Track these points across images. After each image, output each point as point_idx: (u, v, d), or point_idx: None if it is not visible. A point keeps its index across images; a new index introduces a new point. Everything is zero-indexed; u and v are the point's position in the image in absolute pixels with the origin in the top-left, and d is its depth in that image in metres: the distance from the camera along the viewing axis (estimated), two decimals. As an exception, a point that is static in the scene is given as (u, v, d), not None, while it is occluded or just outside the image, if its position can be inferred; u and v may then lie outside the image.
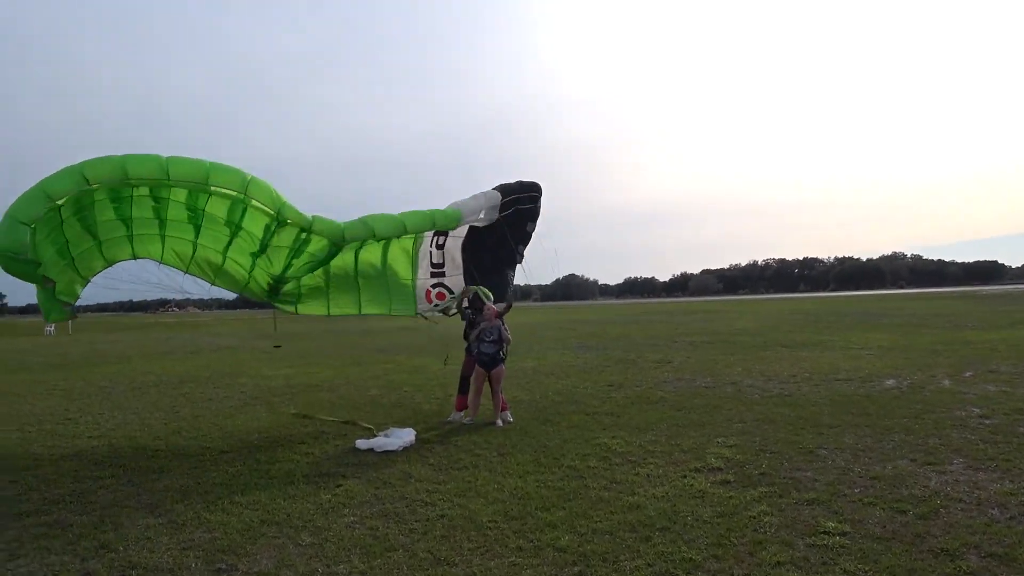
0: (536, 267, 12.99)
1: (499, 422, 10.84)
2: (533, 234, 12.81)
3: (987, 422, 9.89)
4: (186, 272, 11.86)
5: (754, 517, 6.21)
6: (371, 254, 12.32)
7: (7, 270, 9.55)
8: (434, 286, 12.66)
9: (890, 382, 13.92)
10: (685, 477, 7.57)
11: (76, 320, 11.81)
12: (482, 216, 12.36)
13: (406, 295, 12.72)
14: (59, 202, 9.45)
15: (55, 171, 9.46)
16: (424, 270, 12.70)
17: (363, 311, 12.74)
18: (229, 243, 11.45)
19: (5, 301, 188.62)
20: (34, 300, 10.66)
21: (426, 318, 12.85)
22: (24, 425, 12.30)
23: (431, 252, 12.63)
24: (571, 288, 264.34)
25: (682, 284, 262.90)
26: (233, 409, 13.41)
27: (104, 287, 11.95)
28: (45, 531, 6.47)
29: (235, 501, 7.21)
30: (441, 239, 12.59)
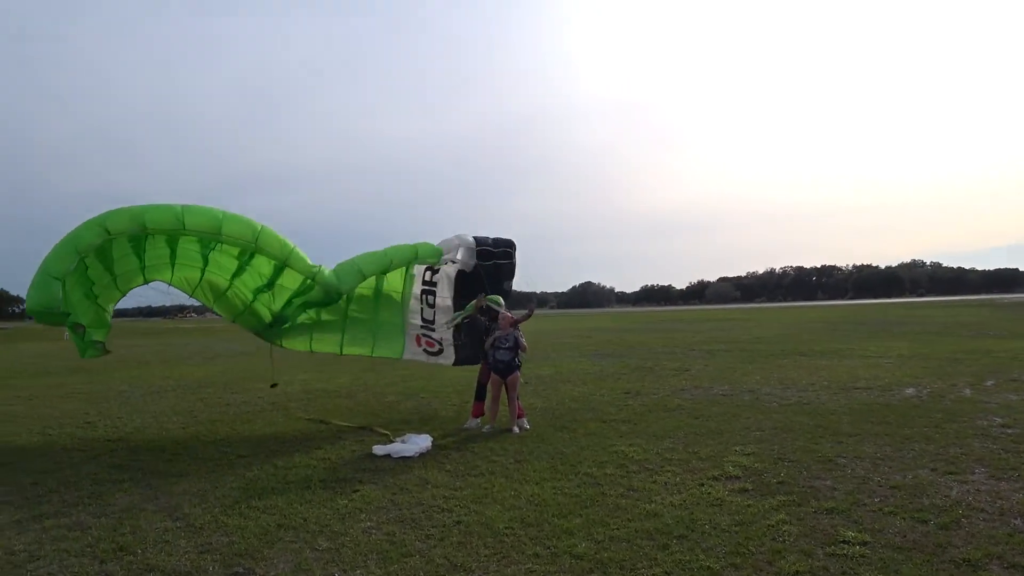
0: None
1: (516, 429, 10.82)
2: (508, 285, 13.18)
3: (1009, 431, 9.78)
4: (191, 296, 12.60)
5: (773, 526, 6.16)
6: (364, 287, 12.65)
7: (41, 322, 10.41)
8: (424, 334, 12.88)
9: (910, 391, 13.80)
10: (703, 485, 7.52)
11: (109, 354, 12.30)
12: (459, 257, 12.72)
13: (394, 334, 12.92)
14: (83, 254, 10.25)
15: (80, 224, 10.25)
16: (416, 318, 12.96)
17: (344, 351, 13.04)
18: (236, 273, 12.09)
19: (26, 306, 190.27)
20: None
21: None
22: (45, 428, 12.42)
23: (422, 309, 12.94)
24: (587, 295, 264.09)
25: (699, 292, 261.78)
26: (251, 414, 13.47)
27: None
28: (64, 533, 6.53)
29: (252, 505, 7.23)
30: (431, 298, 12.89)
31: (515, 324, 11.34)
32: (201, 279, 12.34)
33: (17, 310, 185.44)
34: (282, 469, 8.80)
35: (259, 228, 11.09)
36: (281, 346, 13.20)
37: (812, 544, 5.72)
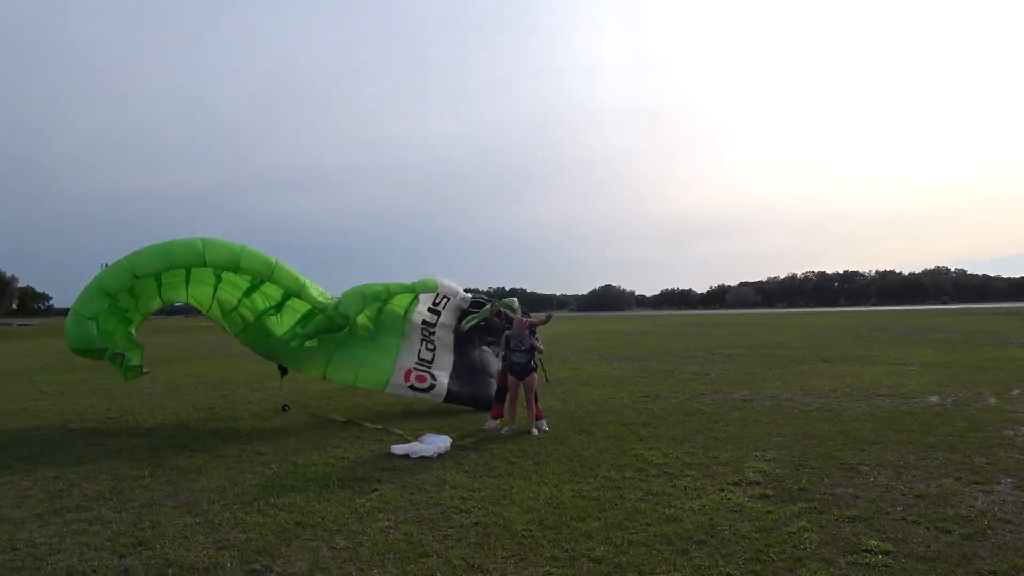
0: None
1: (534, 431, 10.80)
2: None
3: (1036, 442, 9.61)
4: (206, 314, 13.47)
5: (794, 533, 6.09)
6: (361, 319, 13.48)
7: (83, 357, 11.75)
8: (416, 368, 13.08)
9: (934, 399, 13.62)
10: (723, 490, 7.46)
11: (148, 372, 13.29)
12: (458, 299, 13.75)
13: (382, 364, 13.05)
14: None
15: (109, 267, 11.44)
16: (411, 356, 13.28)
17: (328, 376, 13.23)
18: (247, 292, 13.03)
19: (51, 303, 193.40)
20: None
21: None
22: (68, 423, 12.55)
23: (419, 350, 13.37)
24: (607, 299, 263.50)
25: (720, 296, 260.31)
26: (270, 412, 13.52)
27: None
28: (85, 527, 6.58)
29: (271, 503, 7.25)
30: (431, 345, 13.49)
31: (532, 328, 11.31)
32: (214, 295, 13.06)
33: (42, 307, 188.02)
34: (301, 467, 8.83)
35: (274, 263, 12.05)
36: (275, 360, 13.63)
37: (834, 552, 5.64)
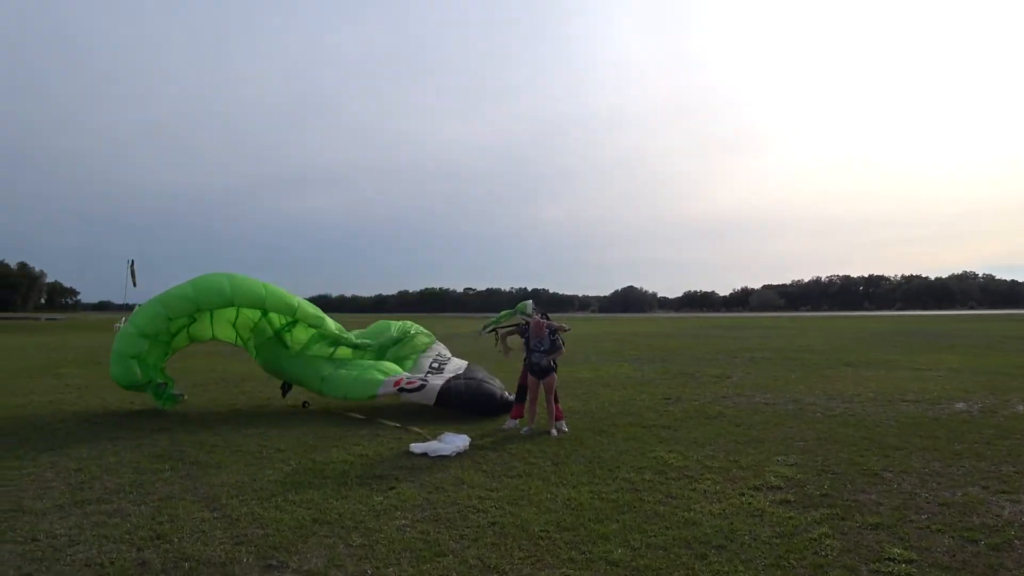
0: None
1: (554, 431, 10.75)
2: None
3: (1065, 451, 9.42)
4: (234, 344, 14.52)
5: (815, 539, 6.00)
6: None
7: (129, 391, 13.22)
8: (410, 376, 13.25)
9: (960, 405, 13.41)
10: (743, 495, 7.37)
11: (186, 399, 14.21)
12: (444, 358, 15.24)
13: (375, 380, 13.10)
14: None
15: (143, 307, 12.83)
16: (412, 374, 13.64)
17: (323, 391, 13.41)
18: (264, 313, 13.94)
19: (78, 298, 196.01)
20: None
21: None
22: (92, 416, 12.68)
23: (421, 380, 13.43)
24: (629, 300, 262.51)
25: (742, 299, 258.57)
26: (290, 408, 13.58)
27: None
28: (105, 519, 6.62)
29: (289, 499, 7.27)
30: (438, 372, 14.09)
31: (551, 330, 11.24)
32: (235, 323, 14.03)
33: (69, 301, 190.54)
34: (319, 464, 8.84)
35: (296, 303, 13.20)
36: (281, 376, 14.07)
37: (856, 560, 5.55)
